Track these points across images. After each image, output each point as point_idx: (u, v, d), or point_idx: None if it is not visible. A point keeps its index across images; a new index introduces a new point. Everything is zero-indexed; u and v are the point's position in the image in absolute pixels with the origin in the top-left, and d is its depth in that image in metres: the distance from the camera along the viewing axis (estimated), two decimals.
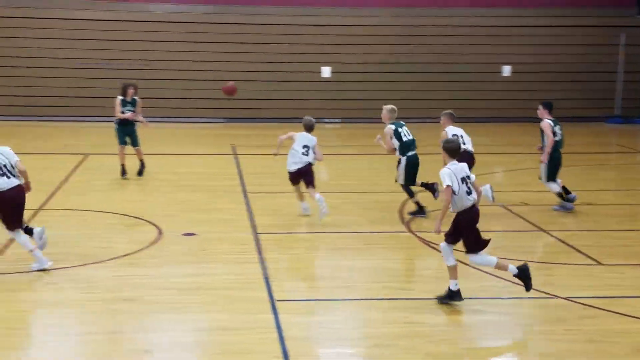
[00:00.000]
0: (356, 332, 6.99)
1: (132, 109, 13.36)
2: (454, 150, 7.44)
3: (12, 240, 9.12)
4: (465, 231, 7.34)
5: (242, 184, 13.21)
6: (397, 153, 10.89)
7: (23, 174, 8.30)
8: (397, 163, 11.01)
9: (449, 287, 7.43)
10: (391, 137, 10.82)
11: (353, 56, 22.11)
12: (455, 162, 7.38)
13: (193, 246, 9.53)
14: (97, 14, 21.31)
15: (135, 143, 13.55)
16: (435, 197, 10.89)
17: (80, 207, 11.33)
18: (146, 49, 21.49)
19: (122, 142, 13.48)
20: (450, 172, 7.27)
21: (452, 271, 7.40)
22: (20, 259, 8.70)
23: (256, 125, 21.03)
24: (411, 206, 11.26)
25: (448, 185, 7.19)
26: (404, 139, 10.80)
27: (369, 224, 10.76)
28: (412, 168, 10.82)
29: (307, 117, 10.93)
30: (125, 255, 9.00)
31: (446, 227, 7.53)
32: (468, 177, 7.36)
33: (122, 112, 13.28)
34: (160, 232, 10.02)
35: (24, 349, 6.61)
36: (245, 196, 12.12)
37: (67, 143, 17.87)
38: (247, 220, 10.78)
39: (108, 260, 8.83)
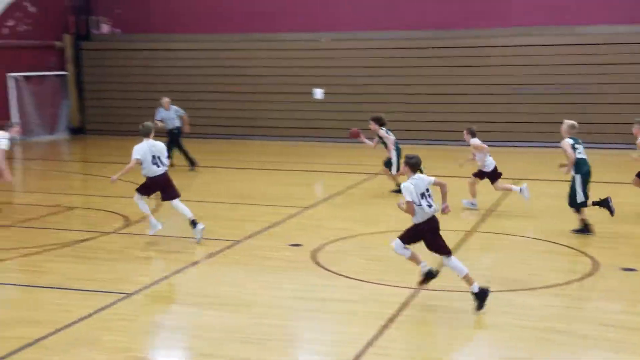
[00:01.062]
0: None
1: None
2: (415, 165, 7.70)
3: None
4: (430, 236, 7.68)
5: None
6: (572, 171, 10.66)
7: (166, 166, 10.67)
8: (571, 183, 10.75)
9: (421, 271, 7.99)
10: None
11: None
12: (418, 175, 7.66)
13: (634, 283, 8.63)
14: (531, 39, 21.20)
15: None
16: (611, 214, 11.01)
17: (509, 232, 11.15)
18: (571, 72, 20.67)
19: None
20: (410, 187, 7.53)
21: (413, 259, 7.94)
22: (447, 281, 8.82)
23: None
24: None
25: (408, 201, 7.52)
26: (579, 155, 10.57)
27: None
28: (585, 184, 10.67)
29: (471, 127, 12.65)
30: (556, 285, 8.49)
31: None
32: (427, 190, 7.62)
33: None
34: (595, 264, 9.28)
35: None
36: None
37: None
38: None
39: (539, 288, 8.42)
